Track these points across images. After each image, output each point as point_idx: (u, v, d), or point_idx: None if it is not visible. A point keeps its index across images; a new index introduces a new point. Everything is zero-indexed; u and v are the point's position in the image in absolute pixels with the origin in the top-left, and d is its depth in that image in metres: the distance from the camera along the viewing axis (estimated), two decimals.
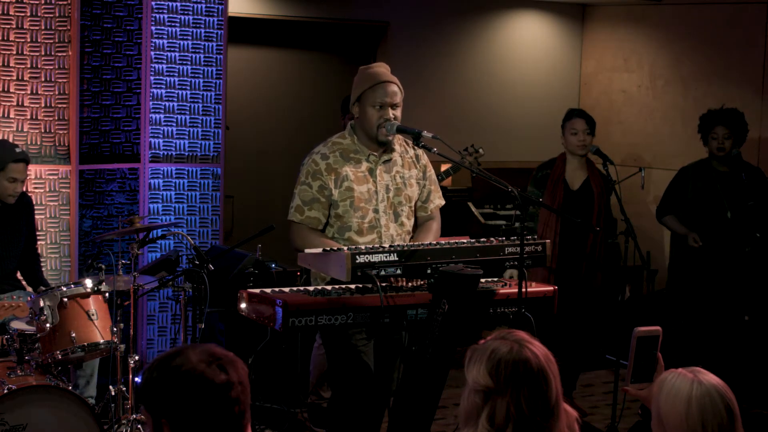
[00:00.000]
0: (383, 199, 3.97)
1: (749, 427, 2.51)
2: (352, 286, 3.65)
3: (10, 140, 5.31)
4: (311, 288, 3.68)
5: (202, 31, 5.96)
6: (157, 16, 5.82)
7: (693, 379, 2.39)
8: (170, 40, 5.88)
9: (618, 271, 5.52)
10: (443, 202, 4.25)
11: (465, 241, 3.77)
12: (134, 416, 4.66)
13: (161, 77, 5.87)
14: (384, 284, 3.57)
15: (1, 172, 4.81)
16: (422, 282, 3.69)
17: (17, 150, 4.92)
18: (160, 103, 5.88)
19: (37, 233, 5.29)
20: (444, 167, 6.30)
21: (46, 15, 5.44)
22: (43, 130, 5.50)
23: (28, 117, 5.46)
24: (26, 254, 5.12)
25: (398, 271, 3.53)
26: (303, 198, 3.94)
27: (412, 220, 4.13)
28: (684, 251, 5.90)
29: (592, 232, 5.30)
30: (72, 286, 4.52)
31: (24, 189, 5.28)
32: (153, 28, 5.81)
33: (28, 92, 5.45)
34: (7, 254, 4.97)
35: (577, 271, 5.42)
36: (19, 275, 5.14)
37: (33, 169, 5.45)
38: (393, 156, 4.04)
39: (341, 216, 3.93)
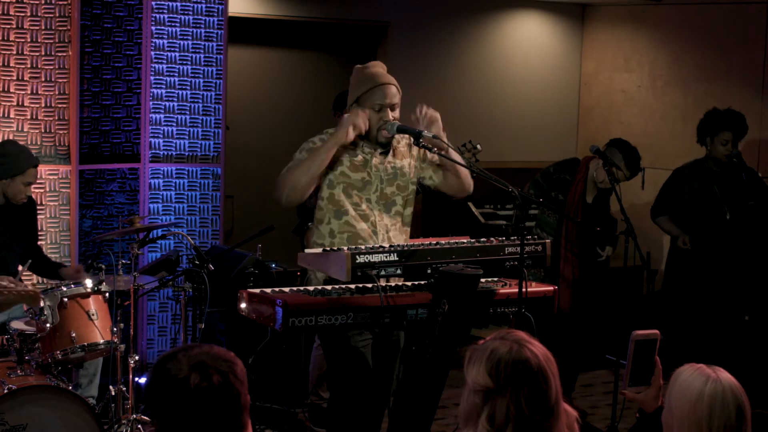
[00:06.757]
0: (376, 189, 3.96)
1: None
2: (352, 286, 3.64)
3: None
4: (311, 288, 3.68)
5: (202, 31, 5.95)
6: (157, 16, 5.82)
7: (710, 375, 2.38)
8: (170, 40, 5.87)
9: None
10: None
11: (465, 241, 3.77)
12: (134, 416, 4.67)
13: (161, 77, 5.87)
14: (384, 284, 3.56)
15: (20, 176, 4.84)
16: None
17: (35, 155, 5.00)
18: (160, 103, 5.88)
19: (38, 233, 5.29)
20: None
21: (46, 15, 5.44)
22: (43, 130, 5.50)
23: (28, 117, 5.46)
24: (29, 252, 5.11)
25: (398, 271, 3.53)
26: (294, 163, 3.93)
27: (409, 209, 4.10)
28: (682, 252, 5.90)
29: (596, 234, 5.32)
30: (72, 286, 4.53)
31: None
32: (153, 28, 5.81)
33: (28, 92, 5.44)
34: (10, 254, 4.97)
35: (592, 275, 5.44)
36: (22, 276, 5.14)
37: None
38: (387, 147, 4.02)
39: (337, 200, 3.93)
